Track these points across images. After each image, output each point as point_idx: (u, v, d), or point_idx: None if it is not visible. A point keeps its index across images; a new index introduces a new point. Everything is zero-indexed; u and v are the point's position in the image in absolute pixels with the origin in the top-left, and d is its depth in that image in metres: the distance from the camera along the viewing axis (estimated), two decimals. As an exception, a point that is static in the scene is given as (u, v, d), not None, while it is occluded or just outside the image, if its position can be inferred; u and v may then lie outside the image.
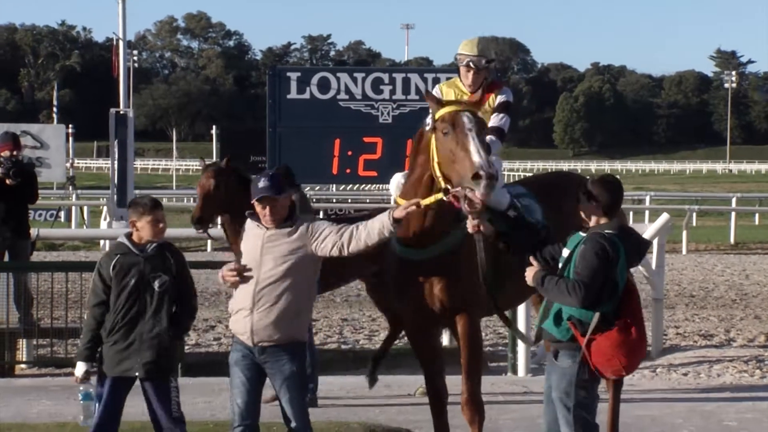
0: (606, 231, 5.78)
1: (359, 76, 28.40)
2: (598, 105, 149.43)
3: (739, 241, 32.91)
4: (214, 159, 55.86)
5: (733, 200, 40.43)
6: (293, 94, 28.65)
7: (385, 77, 28.84)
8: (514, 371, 11.46)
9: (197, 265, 16.19)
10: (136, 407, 7.41)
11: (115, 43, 32.13)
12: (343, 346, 13.36)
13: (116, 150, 29.33)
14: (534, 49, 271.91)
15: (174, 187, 67.31)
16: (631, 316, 5.76)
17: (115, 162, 30.48)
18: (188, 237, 27.74)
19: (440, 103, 6.68)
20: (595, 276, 5.72)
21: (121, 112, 29.96)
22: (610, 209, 5.87)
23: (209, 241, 29.16)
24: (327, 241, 6.23)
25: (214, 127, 59.86)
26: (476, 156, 6.17)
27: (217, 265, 17.55)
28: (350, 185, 30.06)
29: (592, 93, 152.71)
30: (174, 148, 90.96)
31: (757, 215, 43.96)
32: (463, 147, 6.24)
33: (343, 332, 14.37)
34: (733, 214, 34.93)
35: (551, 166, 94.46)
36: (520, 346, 11.41)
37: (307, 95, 28.38)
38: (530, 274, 6.02)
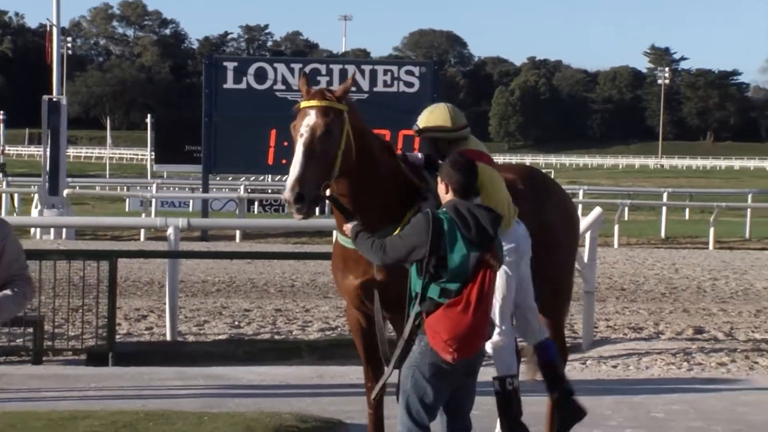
0: (442, 208, 5.84)
1: (296, 66, 28.66)
2: (534, 99, 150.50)
3: (670, 235, 33.35)
4: (149, 148, 55.49)
5: (664, 195, 40.96)
6: (230, 84, 28.76)
7: (323, 68, 29.03)
8: (447, 362, 11.52)
9: (130, 254, 16.13)
10: (65, 396, 7.40)
11: (48, 29, 31.75)
12: (276, 337, 13.34)
13: (49, 137, 29.06)
14: (471, 42, 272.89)
15: (107, 176, 66.70)
16: (468, 295, 5.71)
17: (48, 149, 30.11)
18: (121, 226, 27.58)
19: (306, 92, 6.26)
20: (401, 242, 5.77)
21: (54, 99, 29.60)
22: (457, 190, 5.87)
23: (143, 230, 28.99)
24: None
25: (149, 115, 59.38)
26: (290, 176, 5.92)
27: (150, 254, 17.41)
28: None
29: (527, 87, 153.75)
30: (108, 136, 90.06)
31: (687, 210, 44.56)
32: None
33: (276, 323, 14.35)
34: (664, 208, 35.37)
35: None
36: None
37: (243, 85, 28.52)
38: (349, 226, 6.11)
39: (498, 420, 6.79)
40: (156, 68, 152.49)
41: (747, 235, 33.75)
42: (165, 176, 53.32)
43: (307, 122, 6.07)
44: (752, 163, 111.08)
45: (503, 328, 6.47)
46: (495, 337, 6.41)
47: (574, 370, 11.12)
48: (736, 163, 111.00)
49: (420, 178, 6.53)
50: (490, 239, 5.79)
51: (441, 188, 5.93)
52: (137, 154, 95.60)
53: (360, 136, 6.23)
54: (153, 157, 50.40)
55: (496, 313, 6.43)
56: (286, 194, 5.92)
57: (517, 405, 6.45)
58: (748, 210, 35.58)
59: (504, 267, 6.37)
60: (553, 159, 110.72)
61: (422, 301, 5.76)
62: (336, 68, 28.29)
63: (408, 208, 6.34)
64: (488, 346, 6.43)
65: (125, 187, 48.64)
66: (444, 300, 5.70)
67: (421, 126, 6.58)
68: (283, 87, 27.78)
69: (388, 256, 5.87)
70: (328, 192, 6.17)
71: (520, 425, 6.47)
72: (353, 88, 6.36)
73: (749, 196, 40.97)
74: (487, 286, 5.76)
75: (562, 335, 7.51)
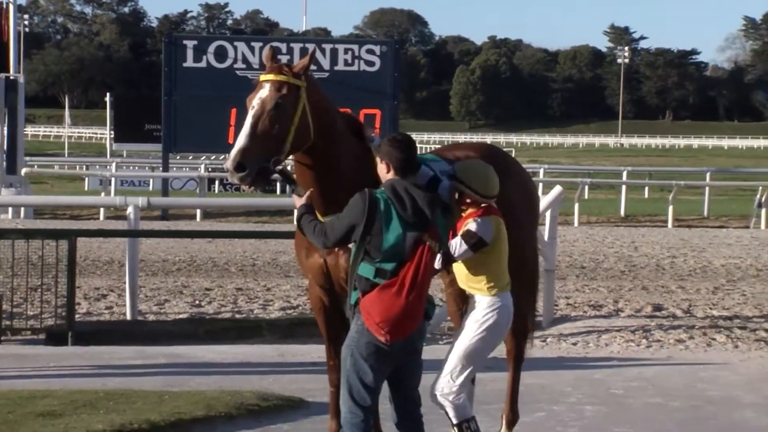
0: (381, 188, 5.81)
1: (257, 45, 28.52)
2: (495, 78, 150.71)
3: (629, 213, 33.56)
4: (108, 127, 55.14)
5: (624, 174, 41.21)
6: (189, 63, 28.57)
7: (283, 47, 28.86)
8: (408, 341, 11.55)
9: (90, 234, 16.06)
10: (24, 375, 7.37)
11: (5, 6, 31.40)
12: (237, 316, 13.32)
13: (6, 116, 28.79)
14: (432, 21, 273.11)
15: (66, 155, 66.21)
16: (404, 277, 5.69)
17: (5, 128, 29.84)
18: (80, 205, 27.43)
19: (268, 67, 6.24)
20: (339, 222, 5.77)
21: (12, 78, 29.34)
22: (398, 168, 5.84)
23: (102, 209, 28.82)
24: None
25: (108, 94, 58.95)
26: (234, 147, 5.92)
27: (110, 233, 17.31)
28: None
29: (488, 66, 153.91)
30: (66, 115, 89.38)
31: (646, 188, 44.88)
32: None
33: (237, 302, 14.32)
34: (624, 187, 35.57)
35: (447, 138, 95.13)
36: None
37: (203, 64, 28.34)
38: (297, 203, 6.07)
39: None
40: (115, 46, 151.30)
41: (705, 213, 34.03)
42: (124, 155, 53.03)
43: (260, 95, 6.06)
44: (710, 142, 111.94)
45: (460, 385, 6.36)
46: (448, 387, 6.32)
47: (534, 347, 11.17)
48: (695, 142, 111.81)
49: None
50: (427, 220, 5.76)
51: (382, 168, 5.89)
52: (96, 133, 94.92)
53: (321, 114, 6.19)
54: (112, 136, 50.08)
55: (461, 369, 6.32)
56: (227, 163, 5.93)
57: None
58: (707, 188, 35.88)
59: (493, 330, 6.30)
60: (513, 138, 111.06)
61: (359, 281, 5.76)
62: (297, 47, 28.18)
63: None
64: (441, 398, 6.35)
65: (84, 166, 48.33)
66: (380, 280, 5.69)
67: (458, 175, 6.41)
68: (244, 66, 27.65)
69: (329, 239, 5.84)
70: (279, 167, 6.12)
71: None
72: (314, 67, 6.33)
73: (707, 175, 41.30)
74: (423, 268, 5.72)
75: (532, 315, 7.54)
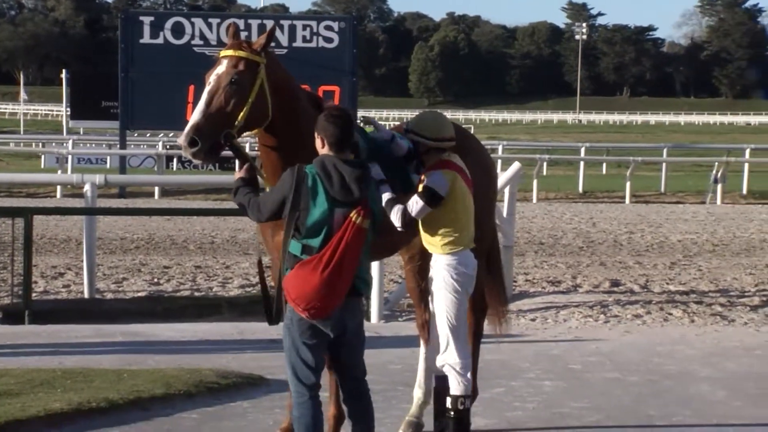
0: (312, 163, 5.79)
1: (214, 21, 28.34)
2: (453, 55, 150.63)
3: (587, 189, 33.74)
4: (65, 104, 54.59)
5: (582, 150, 41.42)
6: (146, 39, 28.37)
7: (241, 23, 28.69)
8: (367, 317, 11.57)
9: (46, 211, 15.97)
10: None
11: (-42, -19, 30.97)
12: (196, 293, 13.28)
13: (-40, 93, 28.42)
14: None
15: (22, 132, 65.58)
16: (323, 253, 5.66)
17: (-41, 105, 29.48)
18: (37, 183, 27.18)
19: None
20: (270, 197, 5.77)
21: (-35, 54, 28.97)
22: (333, 143, 5.80)
23: (59, 187, 28.59)
24: None
25: (64, 71, 58.39)
26: (189, 121, 5.94)
27: (67, 211, 17.16)
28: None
29: (447, 43, 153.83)
30: (22, 92, 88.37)
31: (604, 165, 45.11)
32: None
33: (196, 279, 14.27)
34: (582, 163, 35.76)
35: (407, 115, 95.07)
36: (373, 294, 11.52)
37: (160, 40, 28.13)
38: (236, 176, 6.05)
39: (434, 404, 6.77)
40: (70, 22, 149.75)
41: (662, 189, 34.27)
42: (81, 132, 52.60)
43: (217, 71, 6.06)
44: (667, 118, 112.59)
45: (464, 347, 6.44)
46: (451, 357, 6.40)
47: (508, 323, 11.21)
48: (652, 118, 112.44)
49: (354, 148, 6.46)
50: (355, 197, 5.73)
51: (318, 143, 5.86)
52: (52, 110, 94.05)
53: (281, 91, 6.16)
54: (68, 113, 49.64)
55: (449, 335, 6.39)
56: (180, 139, 5.94)
57: (466, 425, 6.45)
58: (664, 164, 36.14)
59: (455, 289, 6.34)
60: (472, 114, 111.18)
61: (288, 258, 5.74)
62: (255, 23, 28.05)
63: None
64: (441, 364, 6.41)
65: (40, 144, 47.90)
66: (306, 257, 5.68)
67: (410, 127, 6.53)
68: (201, 42, 27.49)
69: (262, 213, 5.83)
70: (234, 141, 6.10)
71: None
72: (272, 44, 6.28)
73: (664, 151, 41.57)
74: (344, 244, 5.67)
75: (502, 289, 7.58)
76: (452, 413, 6.38)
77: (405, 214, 6.19)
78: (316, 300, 5.64)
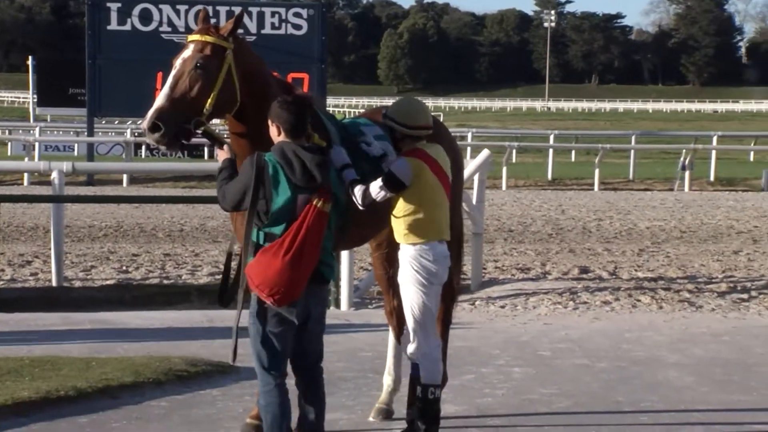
0: (268, 153, 5.75)
1: (182, 8, 28.16)
2: (422, 42, 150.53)
3: (556, 177, 33.83)
4: (31, 91, 54.20)
5: (551, 137, 41.54)
6: (114, 26, 28.15)
7: (209, 9, 28.32)
8: (337, 305, 11.57)
9: (13, 199, 15.87)
10: None
11: None
12: (165, 281, 13.23)
13: (-75, 80, 28.16)
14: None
15: (-12, 120, 65.02)
16: (284, 238, 5.64)
17: (-76, 92, 29.21)
18: (3, 170, 26.95)
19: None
20: (234, 186, 5.72)
21: (-70, 40, 28.68)
22: (288, 130, 5.79)
23: (26, 175, 28.38)
24: None
25: (30, 57, 57.88)
26: (153, 105, 5.91)
27: (34, 199, 17.03)
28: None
29: (416, 30, 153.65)
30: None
31: (573, 152, 45.25)
32: None
33: (165, 267, 14.22)
34: (551, 150, 35.87)
35: (376, 102, 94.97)
36: (343, 281, 11.52)
37: (128, 27, 27.93)
38: (221, 156, 5.99)
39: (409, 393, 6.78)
40: (36, 8, 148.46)
41: (631, 176, 34.42)
42: (48, 120, 52.22)
43: (183, 55, 6.04)
44: (636, 105, 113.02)
45: (429, 337, 6.42)
46: (419, 347, 6.39)
47: (463, 311, 11.25)
48: (620, 106, 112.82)
49: (325, 135, 6.43)
50: (317, 182, 5.72)
51: (273, 131, 5.84)
52: (18, 97, 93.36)
53: (250, 77, 6.13)
54: (35, 100, 49.28)
55: (415, 326, 6.37)
56: (143, 123, 5.91)
57: (436, 415, 6.43)
58: (632, 151, 36.29)
59: (417, 281, 6.33)
60: (441, 102, 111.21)
61: (253, 247, 5.71)
62: (223, 10, 27.88)
63: None
64: (412, 352, 6.41)
65: (7, 131, 47.54)
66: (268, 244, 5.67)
67: (387, 113, 6.49)
68: (169, 29, 27.31)
69: (226, 202, 5.79)
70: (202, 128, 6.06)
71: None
72: (240, 30, 6.24)
73: (633, 138, 41.74)
74: (305, 230, 5.65)
75: (458, 279, 7.57)
76: (422, 403, 6.39)
77: (366, 194, 6.18)
78: (279, 285, 5.60)
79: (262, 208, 5.67)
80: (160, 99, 5.92)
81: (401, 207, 6.30)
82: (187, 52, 6.04)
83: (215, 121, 6.34)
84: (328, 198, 5.76)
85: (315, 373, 5.95)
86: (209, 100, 5.95)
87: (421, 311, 6.34)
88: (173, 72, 6.00)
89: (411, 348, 6.42)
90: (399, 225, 6.34)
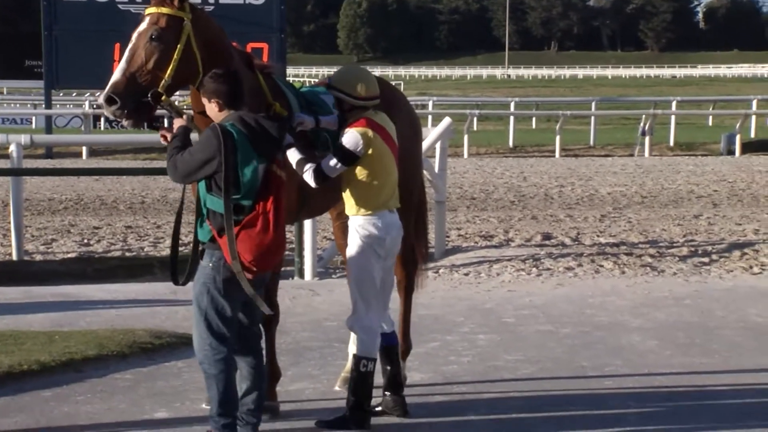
0: (226, 121, 5.68)
1: (139, -22, 27.74)
2: (382, 11, 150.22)
3: (518, 144, 33.92)
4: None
5: (512, 105, 41.58)
6: (69, -4, 27.70)
7: (166, -21, 28.09)
8: (301, 275, 11.55)
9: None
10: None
11: None
12: (127, 254, 13.15)
13: None
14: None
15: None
16: (265, 212, 5.63)
17: None
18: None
19: None
20: (191, 158, 5.64)
21: None
22: (227, 102, 5.74)
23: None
24: None
25: (-16, 30, 57.25)
26: (110, 79, 5.87)
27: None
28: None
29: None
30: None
31: (534, 119, 45.35)
32: None
33: (127, 240, 14.13)
34: (512, 118, 35.92)
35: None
36: (307, 251, 11.49)
37: (84, -3, 27.50)
38: (176, 124, 5.92)
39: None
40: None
41: (591, 142, 34.57)
42: (5, 92, 51.69)
43: (140, 28, 6.01)
44: (595, 72, 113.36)
45: (371, 310, 6.37)
46: (357, 318, 6.35)
47: (427, 279, 11.24)
48: (580, 72, 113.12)
49: (286, 104, 6.39)
50: (278, 149, 5.73)
51: (213, 108, 5.77)
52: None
53: (211, 48, 6.07)
54: (-9, 72, 48.69)
55: (356, 296, 6.34)
56: (100, 97, 5.87)
57: (368, 388, 6.38)
58: (592, 118, 36.41)
59: (362, 251, 6.31)
60: (402, 71, 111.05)
61: (213, 216, 5.66)
62: (180, -21, 27.62)
63: None
64: (350, 323, 6.39)
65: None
66: (239, 217, 5.61)
67: (332, 82, 6.41)
68: (126, -1, 27.03)
69: (179, 173, 5.70)
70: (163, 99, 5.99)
71: (361, 408, 6.30)
72: (198, 0, 6.19)
73: (593, 104, 41.88)
74: (279, 199, 5.68)
75: (424, 244, 7.57)
76: (354, 373, 6.36)
77: (318, 172, 6.14)
78: (267, 258, 5.65)
79: (221, 178, 5.61)
80: (116, 73, 5.89)
81: (353, 177, 6.26)
82: (143, 25, 6.00)
83: (178, 96, 6.29)
84: (282, 165, 5.80)
85: (257, 343, 5.98)
86: (168, 71, 5.90)
87: (365, 283, 6.30)
88: (129, 45, 5.97)
89: (349, 319, 6.40)
90: (349, 196, 6.29)
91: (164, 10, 5.98)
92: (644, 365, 7.88)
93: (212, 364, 5.73)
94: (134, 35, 5.98)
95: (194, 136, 5.98)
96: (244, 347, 5.91)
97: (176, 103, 6.20)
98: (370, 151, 6.23)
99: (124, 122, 5.97)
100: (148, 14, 6.02)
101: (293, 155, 6.14)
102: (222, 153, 5.56)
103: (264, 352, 6.37)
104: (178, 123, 5.92)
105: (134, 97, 5.85)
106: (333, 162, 6.16)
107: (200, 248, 5.83)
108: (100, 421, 6.46)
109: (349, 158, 6.19)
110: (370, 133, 6.25)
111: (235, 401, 5.78)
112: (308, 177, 6.14)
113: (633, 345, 8.53)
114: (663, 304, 10.17)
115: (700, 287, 11.13)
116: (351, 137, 6.21)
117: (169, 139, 5.85)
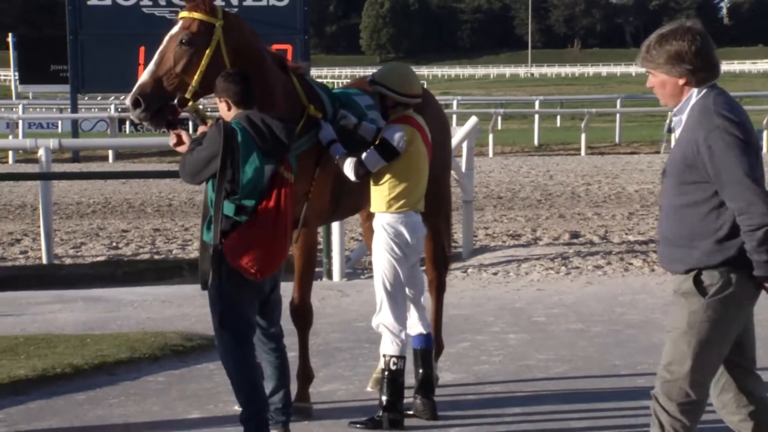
0: (234, 120, 5.66)
1: (163, -19, 27.79)
2: (404, 10, 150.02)
3: (543, 142, 33.84)
4: (12, 68, 53.82)
5: (536, 103, 41.45)
6: (94, 0, 27.86)
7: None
8: (329, 276, 11.56)
9: (0, 177, 15.77)
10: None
11: None
12: (156, 257, 13.19)
13: None
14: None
15: (-30, 99, 64.62)
16: (266, 213, 5.59)
17: None
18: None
19: None
20: (196, 156, 5.62)
21: None
22: (238, 101, 5.70)
23: (11, 153, 28.25)
24: None
25: (10, 35, 57.50)
26: (138, 82, 5.90)
27: (22, 176, 16.93)
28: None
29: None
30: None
31: (558, 117, 45.22)
32: None
33: (155, 242, 14.18)
34: (537, 116, 35.83)
35: (359, 72, 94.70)
36: (335, 252, 11.50)
37: (108, 1, 27.65)
38: (200, 132, 5.91)
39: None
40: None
41: (617, 139, 34.44)
42: (31, 97, 51.96)
43: (171, 32, 6.03)
44: (618, 69, 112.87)
45: (393, 309, 6.36)
46: (385, 317, 6.34)
47: (455, 278, 11.26)
48: (604, 70, 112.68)
49: (320, 106, 6.38)
50: (285, 150, 5.68)
51: (223, 107, 5.75)
52: (0, 75, 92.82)
53: (241, 54, 6.06)
54: (17, 77, 48.95)
55: (383, 295, 6.34)
56: (127, 99, 5.89)
57: (399, 387, 6.38)
58: (618, 115, 36.27)
59: (392, 249, 6.30)
60: (425, 70, 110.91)
61: (223, 220, 5.61)
62: (205, -18, 27.68)
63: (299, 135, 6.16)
64: (375, 324, 6.38)
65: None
66: (241, 218, 5.58)
67: (376, 78, 6.41)
68: (150, 3, 27.04)
69: (187, 172, 5.69)
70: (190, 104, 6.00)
71: (394, 409, 6.32)
72: (222, 2, 6.22)
73: (618, 102, 41.67)
74: (284, 202, 5.64)
75: (448, 244, 7.55)
76: (385, 373, 6.36)
77: (359, 166, 6.15)
78: (270, 260, 5.61)
79: (227, 177, 5.56)
80: (144, 75, 5.92)
81: (388, 174, 6.26)
82: (174, 29, 6.03)
83: (203, 100, 6.31)
84: (290, 168, 5.76)
85: (279, 346, 5.96)
86: (195, 77, 5.92)
87: (392, 281, 6.30)
88: (159, 48, 5.99)
89: (376, 318, 6.39)
90: (380, 193, 6.29)
91: (196, 15, 5.99)
92: (677, 363, 7.82)
93: (235, 367, 5.74)
94: (166, 38, 6.01)
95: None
96: (266, 348, 5.91)
97: (200, 108, 6.23)
98: (410, 149, 6.24)
99: (147, 124, 6.00)
100: (181, 18, 6.04)
101: (336, 150, 6.15)
102: (221, 149, 5.53)
103: (296, 353, 6.37)
104: (202, 129, 5.94)
105: (159, 100, 5.88)
106: (375, 156, 6.16)
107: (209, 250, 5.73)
108: (134, 423, 6.49)
109: (391, 153, 6.19)
110: (413, 130, 6.27)
111: (263, 401, 5.77)
112: (348, 171, 6.15)
113: (665, 343, 8.47)
114: (694, 301, 10.09)
115: (730, 284, 11.04)
116: (394, 132, 6.21)
117: (186, 143, 5.83)
